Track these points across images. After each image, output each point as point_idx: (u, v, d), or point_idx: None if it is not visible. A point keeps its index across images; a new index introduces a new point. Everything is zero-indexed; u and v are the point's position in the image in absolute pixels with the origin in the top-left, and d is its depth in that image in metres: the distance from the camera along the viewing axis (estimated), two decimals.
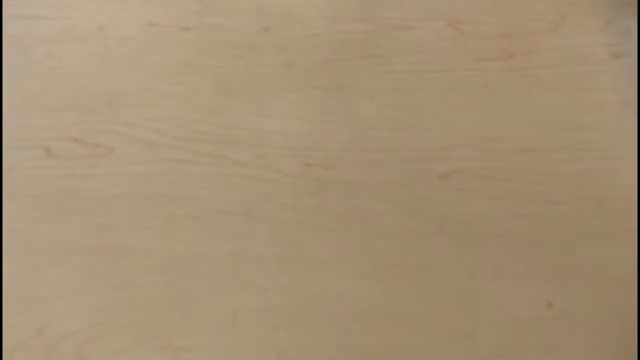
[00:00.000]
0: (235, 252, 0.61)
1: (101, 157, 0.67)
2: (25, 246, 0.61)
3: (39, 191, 0.65)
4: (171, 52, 0.76)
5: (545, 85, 0.72)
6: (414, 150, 0.67)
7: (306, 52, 0.73)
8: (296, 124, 0.69)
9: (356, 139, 0.68)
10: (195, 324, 0.57)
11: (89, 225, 0.63)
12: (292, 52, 0.74)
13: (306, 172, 0.65)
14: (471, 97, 0.70)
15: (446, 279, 0.59)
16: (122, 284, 0.59)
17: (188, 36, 0.77)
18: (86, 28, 0.78)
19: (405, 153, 0.67)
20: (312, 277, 0.59)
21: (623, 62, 0.75)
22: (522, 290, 0.58)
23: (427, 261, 0.60)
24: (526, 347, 0.56)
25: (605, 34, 0.77)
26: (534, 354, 0.56)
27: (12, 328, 0.57)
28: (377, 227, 0.61)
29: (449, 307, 0.58)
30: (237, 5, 0.80)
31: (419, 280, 0.58)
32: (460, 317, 0.58)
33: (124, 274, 0.60)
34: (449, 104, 0.70)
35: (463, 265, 0.59)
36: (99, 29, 0.78)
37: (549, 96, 0.71)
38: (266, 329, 0.57)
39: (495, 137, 0.67)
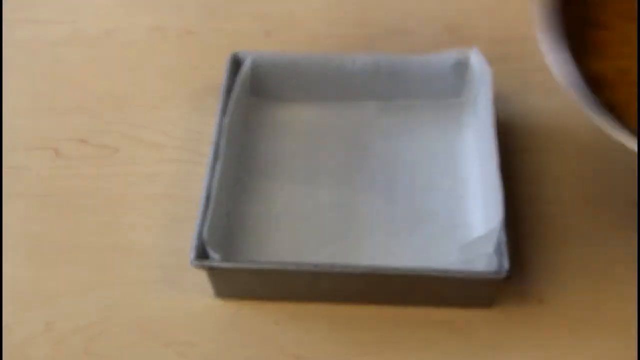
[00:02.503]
0: None
1: (107, 158, 0.68)
2: (35, 244, 0.63)
3: (48, 191, 0.66)
4: (176, 55, 0.77)
5: (541, 88, 0.73)
6: None
7: None
8: None
9: None
10: (199, 320, 0.58)
11: (96, 224, 0.64)
12: None
13: None
14: None
15: None
16: (128, 281, 0.60)
17: (192, 40, 0.78)
18: (93, 32, 0.79)
19: None
20: None
21: None
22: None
23: None
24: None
25: None
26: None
27: (22, 323, 0.58)
28: None
29: None
30: (240, 10, 0.81)
31: None
32: None
33: (130, 271, 0.61)
34: None
35: None
36: (105, 33, 0.79)
37: (544, 98, 0.72)
38: (268, 323, 0.58)
39: None
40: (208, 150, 0.62)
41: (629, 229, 0.62)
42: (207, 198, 0.58)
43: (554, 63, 0.51)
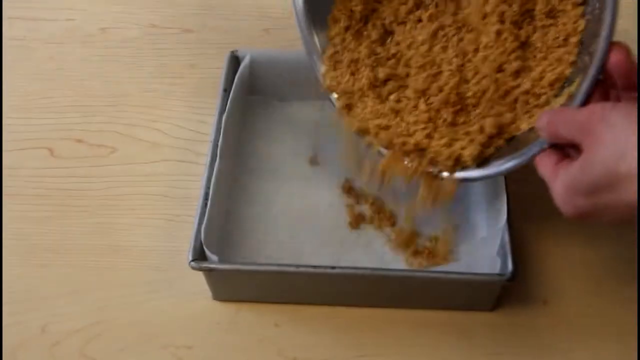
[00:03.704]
0: None
1: (104, 158, 0.68)
2: (29, 245, 0.62)
3: (42, 191, 0.65)
4: (173, 53, 0.76)
5: None
6: None
7: None
8: None
9: None
10: (197, 322, 0.58)
11: (92, 225, 0.63)
12: None
13: None
14: None
15: None
16: (124, 283, 0.60)
17: (189, 38, 0.78)
18: (88, 29, 0.78)
19: None
20: None
21: None
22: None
23: None
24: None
25: None
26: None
27: (16, 326, 0.57)
28: None
29: None
30: (237, 7, 0.80)
31: None
32: None
33: (127, 273, 0.60)
34: None
35: None
36: (101, 31, 0.78)
37: None
38: (267, 326, 0.57)
39: None
40: (206, 150, 0.61)
41: (625, 229, 0.62)
42: (205, 198, 0.57)
43: None
